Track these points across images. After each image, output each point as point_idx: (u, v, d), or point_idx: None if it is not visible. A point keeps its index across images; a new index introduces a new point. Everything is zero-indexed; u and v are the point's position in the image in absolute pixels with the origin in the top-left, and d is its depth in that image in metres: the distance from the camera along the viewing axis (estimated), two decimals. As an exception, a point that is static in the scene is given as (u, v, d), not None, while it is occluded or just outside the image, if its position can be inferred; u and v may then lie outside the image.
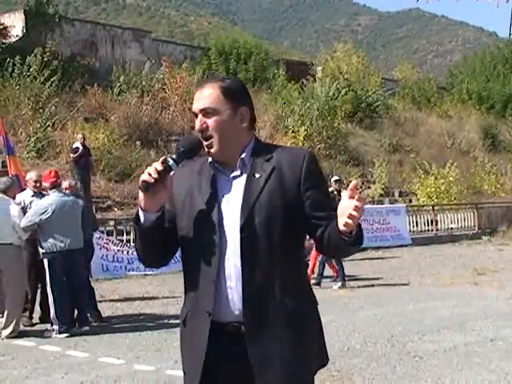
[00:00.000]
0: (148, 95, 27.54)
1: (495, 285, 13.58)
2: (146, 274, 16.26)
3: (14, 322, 9.58)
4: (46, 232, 9.62)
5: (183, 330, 3.08)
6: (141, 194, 2.91)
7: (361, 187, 25.34)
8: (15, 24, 28.66)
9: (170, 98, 28.62)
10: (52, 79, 23.95)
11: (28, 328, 10.23)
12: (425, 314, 10.77)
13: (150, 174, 2.86)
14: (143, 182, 2.87)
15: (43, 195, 10.30)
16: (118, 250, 16.24)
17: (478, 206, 26.96)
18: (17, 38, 28.14)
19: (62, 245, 9.61)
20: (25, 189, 11.10)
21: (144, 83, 28.51)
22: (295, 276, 2.99)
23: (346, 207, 2.67)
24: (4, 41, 27.38)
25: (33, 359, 8.36)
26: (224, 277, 2.90)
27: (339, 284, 13.62)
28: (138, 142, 24.74)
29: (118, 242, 16.60)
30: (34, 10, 29.06)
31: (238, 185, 2.96)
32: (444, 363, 7.65)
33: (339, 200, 2.76)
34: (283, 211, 2.89)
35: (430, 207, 26.06)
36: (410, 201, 28.35)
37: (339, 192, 13.97)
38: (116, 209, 20.89)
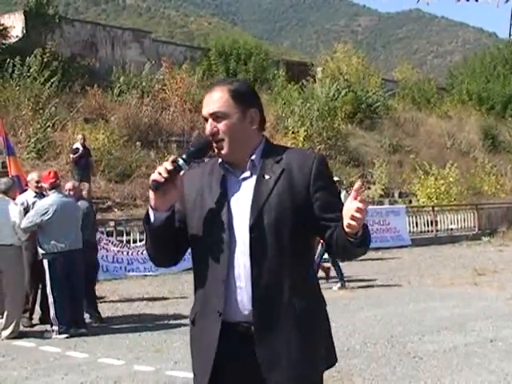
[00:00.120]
0: (148, 96, 27.55)
1: (495, 285, 13.58)
2: (145, 275, 16.28)
3: (13, 323, 9.58)
4: (46, 233, 9.62)
5: (192, 329, 3.12)
6: (151, 194, 2.93)
7: (360, 188, 25.33)
8: (15, 25, 28.67)
9: (170, 99, 28.63)
10: (52, 80, 23.96)
11: (28, 329, 10.24)
12: (425, 314, 10.77)
13: (160, 174, 2.87)
14: (153, 181, 2.89)
15: (45, 196, 10.30)
16: (118, 251, 16.25)
17: (478, 207, 26.96)
18: (17, 39, 28.16)
19: (63, 245, 9.61)
20: (26, 189, 11.10)
21: (144, 84, 28.52)
22: (304, 277, 3.02)
23: (349, 208, 2.70)
24: (4, 41, 27.39)
25: (33, 360, 8.36)
26: (233, 277, 2.92)
27: (339, 285, 13.62)
28: (138, 143, 24.73)
29: (117, 242, 16.62)
30: (34, 10, 29.07)
31: (248, 186, 2.98)
32: (444, 364, 7.65)
33: None
34: (292, 213, 2.92)
35: (430, 208, 26.05)
36: (410, 201, 28.35)
37: (339, 193, 13.98)
38: (116, 209, 20.89)
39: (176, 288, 14.38)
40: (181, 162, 2.92)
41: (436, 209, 26.02)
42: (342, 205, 2.82)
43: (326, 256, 13.24)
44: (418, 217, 25.02)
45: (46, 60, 24.27)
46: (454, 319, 10.33)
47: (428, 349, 8.39)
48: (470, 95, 45.24)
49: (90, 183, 19.56)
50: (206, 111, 3.01)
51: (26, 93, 23.93)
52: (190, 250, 3.13)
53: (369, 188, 27.55)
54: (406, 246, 22.41)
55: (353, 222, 2.69)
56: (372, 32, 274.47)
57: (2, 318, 9.70)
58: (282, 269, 2.91)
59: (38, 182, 10.55)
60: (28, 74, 24.23)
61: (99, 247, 14.90)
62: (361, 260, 17.92)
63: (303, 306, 2.93)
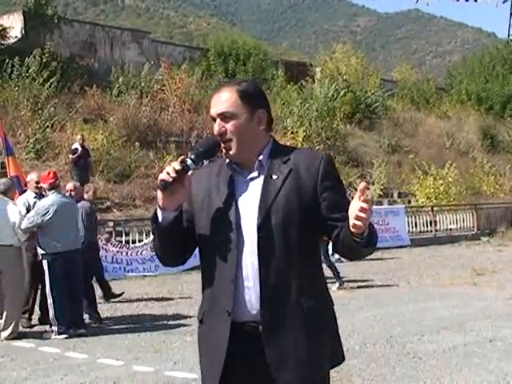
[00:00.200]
0: (147, 96, 27.54)
1: (494, 285, 13.58)
2: (144, 276, 16.29)
3: (13, 324, 9.58)
4: (46, 233, 9.61)
5: (201, 328, 3.12)
6: (159, 193, 2.94)
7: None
8: (14, 25, 28.67)
9: (168, 99, 28.63)
10: (51, 80, 23.97)
11: (27, 329, 10.23)
12: (424, 314, 10.77)
13: (168, 173, 2.89)
14: (161, 181, 2.90)
15: (44, 196, 10.29)
16: (117, 251, 16.25)
17: (477, 207, 26.97)
18: (16, 39, 28.16)
19: (63, 246, 9.61)
20: (25, 190, 11.09)
21: (143, 84, 28.52)
22: (312, 276, 3.03)
23: (354, 208, 2.71)
24: (3, 42, 27.40)
25: (32, 360, 8.36)
26: (241, 276, 2.93)
27: (337, 284, 13.62)
28: (136, 143, 24.71)
29: (116, 243, 16.61)
30: (33, 11, 29.05)
31: (256, 186, 3.00)
32: (443, 364, 7.66)
33: None
34: (300, 213, 2.93)
35: (429, 208, 26.06)
36: (409, 202, 28.35)
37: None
38: (115, 210, 20.89)
39: (175, 288, 14.38)
40: (189, 161, 2.94)
41: (435, 209, 26.02)
42: (349, 204, 2.84)
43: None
44: (417, 217, 25.03)
45: (44, 60, 24.27)
46: (453, 319, 10.33)
47: (427, 349, 8.39)
48: (469, 95, 45.27)
49: (89, 183, 19.58)
50: (214, 111, 3.02)
51: (25, 93, 23.92)
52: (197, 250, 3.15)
53: (368, 188, 27.50)
54: (405, 246, 22.42)
55: (358, 222, 2.70)
56: (371, 32, 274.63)
57: (2, 318, 9.70)
58: (290, 268, 2.92)
59: (37, 182, 10.54)
60: (27, 75, 24.24)
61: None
62: (360, 260, 17.79)
63: (311, 306, 2.95)
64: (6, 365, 8.24)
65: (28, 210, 10.02)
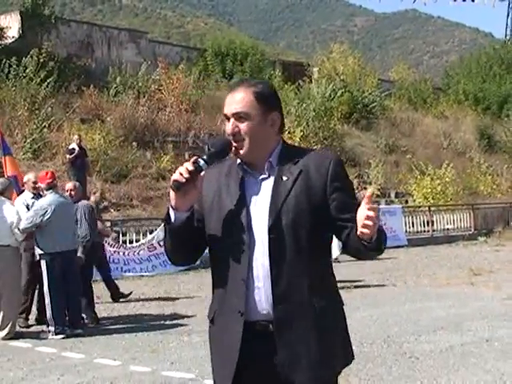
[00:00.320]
0: (144, 96, 27.50)
1: (491, 285, 13.59)
2: (142, 275, 16.31)
3: (10, 324, 9.58)
4: (44, 233, 9.61)
5: (212, 327, 3.14)
6: (172, 194, 2.96)
7: (357, 188, 25.33)
8: (11, 25, 28.61)
9: (166, 99, 28.59)
10: (48, 80, 23.91)
11: (24, 329, 10.23)
12: (421, 314, 10.78)
13: (181, 174, 2.90)
14: (175, 181, 2.91)
15: (42, 196, 10.29)
16: (114, 251, 16.25)
17: (474, 207, 26.99)
18: (13, 39, 28.10)
19: (61, 245, 9.61)
20: (23, 190, 11.08)
21: (140, 84, 28.47)
22: (322, 276, 3.06)
23: (361, 215, 2.75)
24: (0, 42, 27.34)
25: (29, 361, 8.36)
26: (252, 277, 2.95)
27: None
28: (134, 143, 24.69)
29: (114, 243, 16.60)
30: (30, 11, 28.98)
31: (266, 187, 3.02)
32: (440, 364, 7.66)
33: None
34: (310, 213, 2.95)
35: (426, 208, 26.07)
36: (406, 201, 28.37)
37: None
38: (112, 210, 20.87)
39: (172, 288, 14.39)
40: (202, 162, 2.95)
41: (432, 209, 26.04)
42: (359, 205, 2.87)
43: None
44: (415, 217, 25.06)
45: (42, 60, 24.20)
46: (450, 319, 10.34)
47: (424, 349, 8.40)
48: (466, 95, 45.29)
49: (86, 184, 19.61)
50: (228, 110, 3.03)
51: (22, 93, 23.87)
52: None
53: (365, 188, 27.53)
54: (402, 246, 22.41)
55: (365, 230, 2.75)
56: (368, 32, 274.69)
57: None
58: (301, 269, 2.95)
59: (35, 182, 10.53)
60: (24, 75, 24.17)
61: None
62: (357, 260, 17.78)
63: (322, 306, 2.98)
64: (2, 365, 8.24)
65: (28, 210, 10.02)
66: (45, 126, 22.88)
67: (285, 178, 2.99)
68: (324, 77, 35.66)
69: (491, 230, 26.29)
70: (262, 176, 3.04)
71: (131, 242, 17.36)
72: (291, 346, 2.92)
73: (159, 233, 16.98)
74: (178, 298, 12.98)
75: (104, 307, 12.00)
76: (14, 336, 9.62)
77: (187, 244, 3.09)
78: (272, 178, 3.01)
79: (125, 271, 16.21)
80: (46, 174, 10.19)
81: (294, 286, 2.93)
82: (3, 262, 9.49)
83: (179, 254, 3.20)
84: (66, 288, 9.73)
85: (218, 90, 32.13)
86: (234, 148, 3.01)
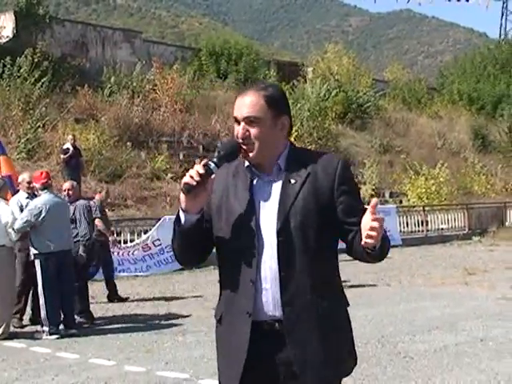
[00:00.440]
0: (139, 96, 27.49)
1: (485, 285, 13.62)
2: (136, 276, 16.28)
3: (4, 324, 9.56)
4: (39, 233, 9.60)
5: (219, 328, 3.15)
6: (182, 196, 2.97)
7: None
8: (5, 25, 28.56)
9: (160, 99, 28.60)
10: (42, 80, 23.89)
11: (18, 330, 10.20)
12: (415, 314, 10.79)
13: (191, 177, 2.91)
14: (185, 184, 2.93)
15: (37, 196, 10.26)
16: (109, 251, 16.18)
17: (469, 207, 27.00)
18: (7, 39, 28.06)
19: (56, 245, 9.60)
20: (18, 190, 11.06)
21: (135, 84, 28.46)
22: (329, 277, 3.08)
23: (365, 225, 2.78)
24: (-6, 42, 27.32)
25: (23, 361, 8.34)
26: (260, 279, 2.97)
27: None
28: (128, 143, 24.69)
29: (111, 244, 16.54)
30: (25, 10, 28.93)
31: (274, 190, 3.03)
32: (434, 363, 7.68)
33: None
34: (317, 214, 2.97)
35: (421, 208, 26.08)
36: (401, 201, 28.38)
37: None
38: (106, 210, 20.81)
39: (167, 288, 14.38)
40: (212, 165, 2.96)
41: (426, 209, 26.05)
42: (365, 210, 2.90)
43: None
44: (409, 217, 25.06)
45: (36, 60, 24.18)
46: (444, 319, 10.35)
47: (419, 348, 8.41)
48: (461, 95, 45.36)
49: (80, 183, 19.58)
50: (239, 114, 3.03)
51: (17, 93, 23.84)
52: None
53: (359, 188, 27.55)
54: (396, 246, 22.36)
55: (369, 241, 2.77)
56: (363, 32, 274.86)
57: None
58: (309, 270, 2.96)
59: (29, 182, 10.51)
60: (18, 75, 24.15)
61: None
62: (351, 260, 17.83)
63: (329, 308, 3.00)
64: (-4, 365, 8.23)
65: (21, 211, 10.00)
66: (39, 126, 22.85)
67: (293, 181, 3.00)
68: (318, 77, 35.68)
69: (485, 229, 26.32)
70: (270, 179, 3.05)
71: (125, 242, 17.33)
72: (298, 345, 2.93)
73: (153, 233, 16.97)
74: (172, 298, 12.97)
75: (99, 307, 11.98)
76: (8, 336, 9.60)
77: (196, 245, 3.10)
78: (280, 181, 3.03)
79: (119, 271, 16.15)
80: (41, 173, 10.17)
81: (302, 287, 2.95)
82: (-2, 262, 9.48)
83: (187, 255, 3.21)
84: (61, 288, 9.72)
85: (212, 90, 32.16)
86: (243, 151, 3.02)
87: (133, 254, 16.61)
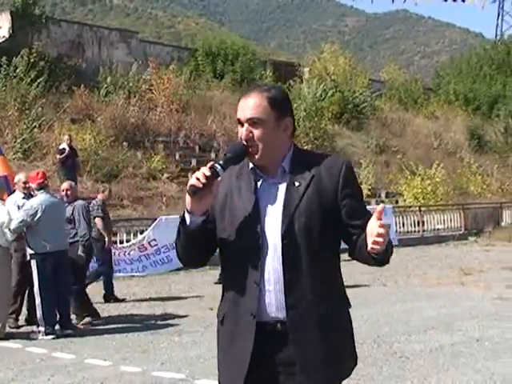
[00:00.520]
0: (135, 96, 27.50)
1: (481, 285, 13.63)
2: (132, 276, 16.27)
3: (-1, 325, 9.55)
4: (35, 233, 9.59)
5: (222, 329, 3.15)
6: (188, 198, 2.98)
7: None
8: (1, 25, 28.56)
9: (156, 99, 28.60)
10: (38, 80, 23.89)
11: (14, 330, 10.19)
12: (411, 314, 10.80)
13: (198, 179, 2.91)
14: (191, 186, 2.93)
15: (33, 196, 10.25)
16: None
17: (465, 207, 27.01)
18: (3, 39, 28.05)
19: (52, 246, 9.58)
20: (15, 190, 11.04)
21: (131, 84, 28.47)
22: (332, 279, 3.10)
23: (371, 230, 2.79)
24: (-10, 42, 27.30)
25: (19, 361, 8.33)
26: (264, 280, 2.98)
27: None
28: (124, 143, 24.68)
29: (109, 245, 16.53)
30: (21, 10, 28.91)
31: (279, 192, 3.04)
32: (430, 363, 7.68)
33: None
34: (321, 216, 2.98)
35: (417, 208, 26.09)
36: (397, 202, 28.37)
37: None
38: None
39: (163, 289, 14.37)
40: (218, 168, 2.97)
41: (423, 209, 26.06)
42: (369, 212, 2.94)
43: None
44: (405, 217, 25.05)
45: (32, 60, 24.18)
46: (440, 319, 10.36)
47: (414, 348, 8.42)
48: (457, 95, 45.41)
49: (76, 183, 19.55)
50: (242, 115, 3.03)
51: (13, 93, 23.83)
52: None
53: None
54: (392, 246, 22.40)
55: (376, 246, 2.79)
56: (359, 32, 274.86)
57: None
58: (312, 272, 2.97)
59: (25, 182, 10.48)
60: (14, 75, 24.14)
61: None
62: (347, 260, 17.81)
63: (331, 308, 3.01)
64: (-8, 366, 8.22)
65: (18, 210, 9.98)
66: (35, 126, 22.84)
67: (297, 184, 3.01)
68: (315, 77, 35.73)
69: (481, 229, 26.33)
70: (275, 181, 3.06)
71: (122, 242, 17.31)
72: (300, 346, 2.95)
73: (150, 233, 16.96)
74: (168, 299, 12.97)
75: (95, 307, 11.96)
76: (4, 336, 9.58)
77: (200, 246, 3.11)
78: (285, 184, 3.04)
79: (115, 271, 16.12)
80: (37, 174, 10.16)
81: (306, 289, 2.96)
82: (-7, 263, 9.47)
83: (191, 256, 3.21)
84: (57, 288, 9.71)
85: (208, 90, 32.16)
86: (249, 153, 3.02)
87: (129, 254, 16.59)
